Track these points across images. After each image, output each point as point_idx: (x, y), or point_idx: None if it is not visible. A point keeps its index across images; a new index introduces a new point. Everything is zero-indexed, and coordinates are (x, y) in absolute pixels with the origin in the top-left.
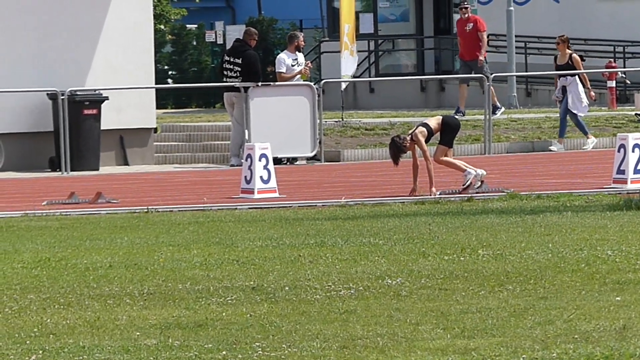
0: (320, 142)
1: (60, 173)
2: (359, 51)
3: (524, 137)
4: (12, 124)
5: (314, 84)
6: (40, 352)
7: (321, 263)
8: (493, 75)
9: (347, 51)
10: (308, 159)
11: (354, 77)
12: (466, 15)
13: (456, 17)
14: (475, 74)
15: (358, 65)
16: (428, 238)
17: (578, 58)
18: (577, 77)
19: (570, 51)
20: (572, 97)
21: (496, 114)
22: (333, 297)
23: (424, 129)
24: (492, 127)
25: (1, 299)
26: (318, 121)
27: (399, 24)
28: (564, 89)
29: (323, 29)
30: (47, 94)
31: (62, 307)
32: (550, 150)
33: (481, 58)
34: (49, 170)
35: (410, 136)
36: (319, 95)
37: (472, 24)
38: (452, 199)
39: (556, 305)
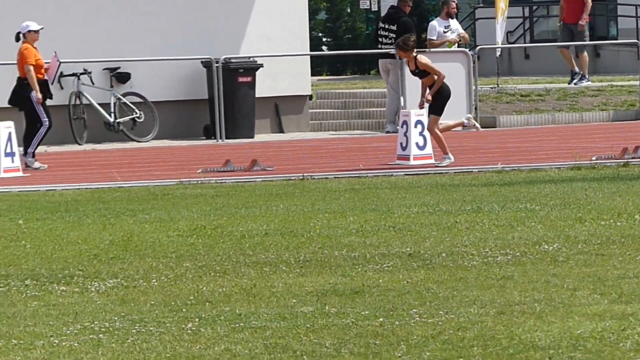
0: (475, 108)
1: (215, 141)
2: (512, 17)
3: None
4: (167, 92)
5: (469, 51)
6: (197, 319)
7: (478, 229)
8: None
9: (502, 17)
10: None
11: (509, 43)
12: None
13: None
14: (575, 39)
15: (512, 31)
16: (584, 203)
17: None
18: None
19: None
20: None
21: (582, 83)
22: (490, 263)
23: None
24: None
25: (157, 267)
26: (474, 87)
27: None
28: None
29: None
30: (202, 62)
31: (218, 274)
32: None
33: (581, 22)
34: (204, 138)
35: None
36: (474, 62)
37: None
38: (608, 164)
39: None
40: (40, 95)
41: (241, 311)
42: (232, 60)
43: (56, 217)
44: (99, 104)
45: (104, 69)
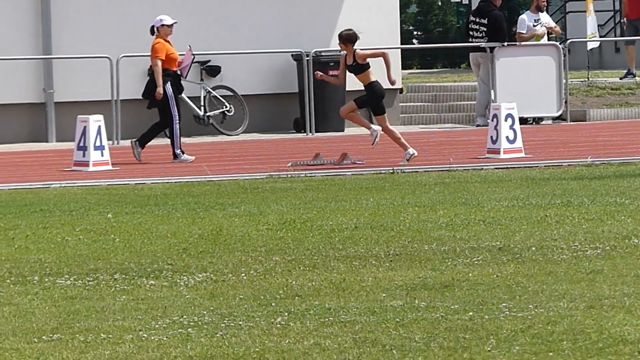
0: (566, 102)
1: (305, 134)
2: (602, 11)
3: None
4: (257, 85)
5: (560, 44)
6: (286, 314)
7: (567, 223)
8: None
9: (592, 10)
10: (554, 118)
11: (599, 36)
12: None
13: None
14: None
15: (602, 25)
16: None
17: None
18: None
19: None
20: None
21: (625, 78)
22: (579, 257)
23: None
24: None
25: (246, 261)
26: (564, 81)
27: None
28: None
29: None
30: (292, 55)
31: (307, 268)
32: None
33: None
34: (294, 131)
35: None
36: (564, 55)
37: None
38: None
39: None
40: (162, 91)
41: (330, 305)
42: (323, 54)
43: (145, 210)
44: (189, 98)
45: (194, 62)
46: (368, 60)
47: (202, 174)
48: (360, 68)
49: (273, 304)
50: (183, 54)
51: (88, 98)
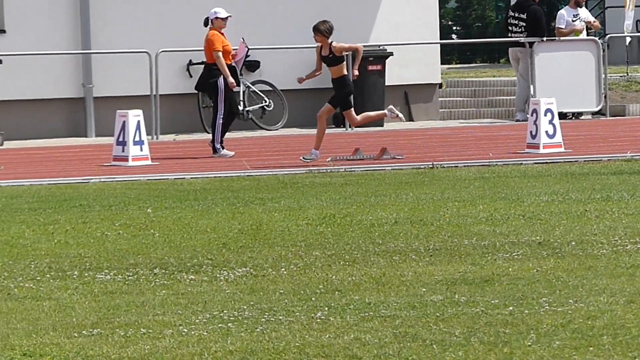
0: (605, 97)
1: (344, 129)
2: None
3: None
4: (295, 80)
5: (599, 39)
6: (326, 308)
7: (607, 218)
8: None
9: (632, 5)
10: (593, 113)
11: (638, 31)
12: None
13: None
14: None
15: None
16: None
17: None
18: None
19: None
20: None
21: None
22: (619, 252)
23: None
24: None
25: (286, 256)
26: (603, 76)
27: None
28: None
29: None
30: None
31: (347, 263)
32: None
33: None
34: (333, 126)
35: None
36: (603, 50)
37: None
38: None
39: None
40: (232, 80)
41: (370, 300)
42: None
43: (185, 205)
44: None
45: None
46: (343, 54)
47: (242, 169)
48: (335, 60)
49: (313, 299)
50: (236, 48)
51: (127, 93)
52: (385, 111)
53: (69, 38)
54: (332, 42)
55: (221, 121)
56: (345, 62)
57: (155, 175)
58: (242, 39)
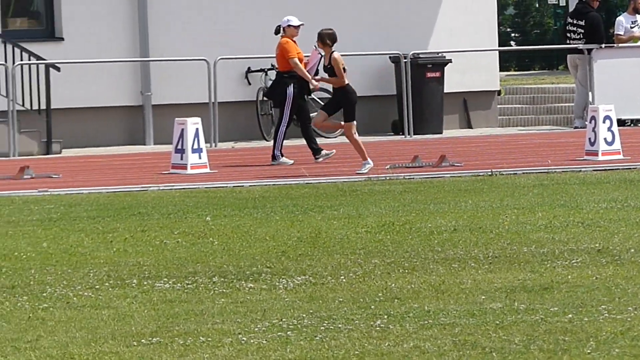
0: None
1: (403, 137)
2: None
3: None
4: (355, 87)
5: None
6: (385, 316)
7: None
8: None
9: None
10: None
11: None
12: None
13: None
14: None
15: None
16: None
17: None
18: None
19: None
20: None
21: None
22: None
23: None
24: None
25: (345, 264)
26: None
27: None
28: None
29: None
30: (390, 57)
31: (406, 271)
32: None
33: None
34: (392, 133)
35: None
36: None
37: None
38: None
39: None
40: (316, 83)
41: (430, 308)
42: (421, 56)
43: (244, 213)
44: None
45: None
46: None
47: (301, 177)
48: (333, 71)
49: (372, 307)
50: (308, 55)
51: (185, 100)
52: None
53: (128, 45)
54: (333, 51)
55: (284, 129)
56: (345, 73)
57: (213, 183)
58: (315, 46)
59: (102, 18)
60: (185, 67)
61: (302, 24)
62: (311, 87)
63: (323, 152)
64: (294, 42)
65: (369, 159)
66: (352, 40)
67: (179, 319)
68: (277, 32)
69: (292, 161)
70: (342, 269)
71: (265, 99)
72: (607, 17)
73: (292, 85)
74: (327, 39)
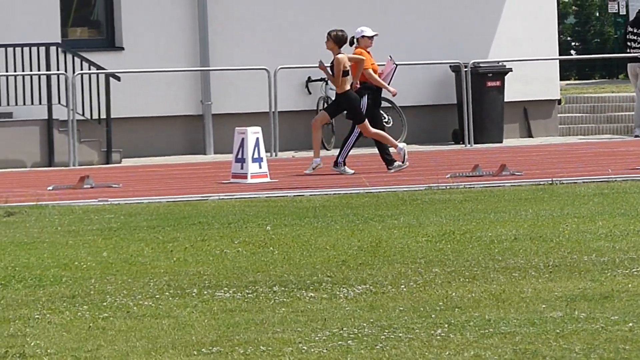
0: None
1: (463, 146)
2: None
3: None
4: (416, 97)
5: None
6: (446, 325)
7: None
8: None
9: None
10: None
11: None
12: None
13: None
14: None
15: None
16: None
17: None
18: None
19: None
20: None
21: None
22: None
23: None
24: None
25: (406, 273)
26: None
27: None
28: None
29: None
30: (450, 66)
31: (467, 280)
32: None
33: None
34: (453, 142)
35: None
36: None
37: None
38: None
39: None
40: (394, 89)
41: (490, 317)
42: (481, 65)
43: (304, 222)
44: None
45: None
46: (348, 68)
47: (361, 186)
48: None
49: (433, 316)
50: (383, 64)
51: (245, 110)
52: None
53: (188, 55)
54: (339, 53)
55: (354, 140)
56: (348, 77)
57: (274, 193)
58: (390, 56)
59: (162, 27)
60: (245, 76)
61: (376, 34)
62: (391, 89)
63: (396, 163)
64: (368, 52)
65: (318, 159)
66: (413, 50)
67: (239, 328)
68: (351, 43)
69: (352, 171)
70: (403, 277)
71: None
72: None
73: (366, 96)
74: (335, 40)
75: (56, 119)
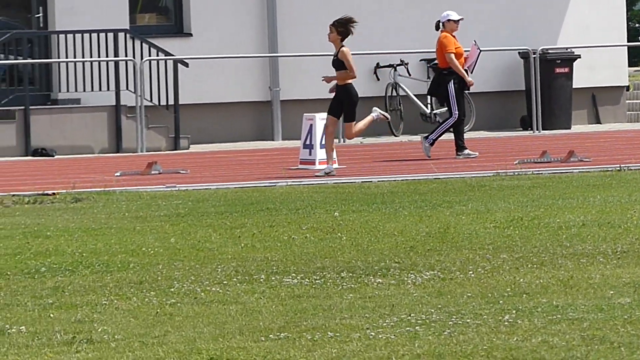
0: None
1: (531, 132)
2: None
3: None
4: (484, 83)
5: None
6: (514, 311)
7: None
8: None
9: None
10: None
11: None
12: None
13: None
14: None
15: None
16: None
17: None
18: None
19: None
20: None
21: None
22: None
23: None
24: None
25: (474, 259)
26: None
27: None
28: None
29: None
30: (519, 53)
31: (535, 266)
32: None
33: None
34: (521, 129)
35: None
36: None
37: None
38: None
39: None
40: (470, 79)
41: (558, 303)
42: (550, 51)
43: (372, 209)
44: (416, 95)
45: (421, 60)
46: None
47: (429, 172)
48: (340, 64)
49: (501, 302)
50: (468, 50)
51: (314, 96)
52: (372, 114)
53: (256, 41)
54: (343, 45)
55: (451, 123)
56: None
57: (342, 179)
58: (474, 41)
59: (230, 13)
60: (313, 62)
61: (461, 18)
62: (468, 79)
63: (466, 151)
64: (454, 36)
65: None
66: (482, 36)
67: (306, 314)
68: (437, 27)
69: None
70: (471, 264)
71: (394, 94)
72: None
73: (452, 81)
74: (339, 29)
75: (124, 105)
